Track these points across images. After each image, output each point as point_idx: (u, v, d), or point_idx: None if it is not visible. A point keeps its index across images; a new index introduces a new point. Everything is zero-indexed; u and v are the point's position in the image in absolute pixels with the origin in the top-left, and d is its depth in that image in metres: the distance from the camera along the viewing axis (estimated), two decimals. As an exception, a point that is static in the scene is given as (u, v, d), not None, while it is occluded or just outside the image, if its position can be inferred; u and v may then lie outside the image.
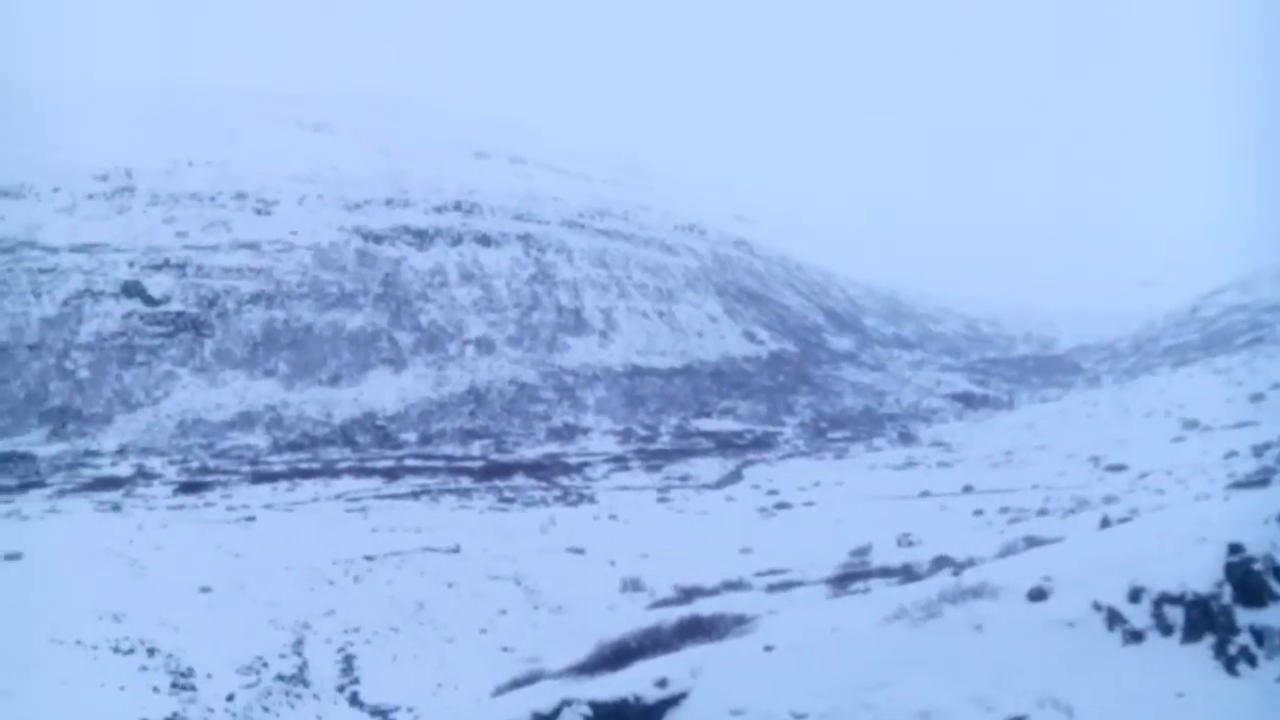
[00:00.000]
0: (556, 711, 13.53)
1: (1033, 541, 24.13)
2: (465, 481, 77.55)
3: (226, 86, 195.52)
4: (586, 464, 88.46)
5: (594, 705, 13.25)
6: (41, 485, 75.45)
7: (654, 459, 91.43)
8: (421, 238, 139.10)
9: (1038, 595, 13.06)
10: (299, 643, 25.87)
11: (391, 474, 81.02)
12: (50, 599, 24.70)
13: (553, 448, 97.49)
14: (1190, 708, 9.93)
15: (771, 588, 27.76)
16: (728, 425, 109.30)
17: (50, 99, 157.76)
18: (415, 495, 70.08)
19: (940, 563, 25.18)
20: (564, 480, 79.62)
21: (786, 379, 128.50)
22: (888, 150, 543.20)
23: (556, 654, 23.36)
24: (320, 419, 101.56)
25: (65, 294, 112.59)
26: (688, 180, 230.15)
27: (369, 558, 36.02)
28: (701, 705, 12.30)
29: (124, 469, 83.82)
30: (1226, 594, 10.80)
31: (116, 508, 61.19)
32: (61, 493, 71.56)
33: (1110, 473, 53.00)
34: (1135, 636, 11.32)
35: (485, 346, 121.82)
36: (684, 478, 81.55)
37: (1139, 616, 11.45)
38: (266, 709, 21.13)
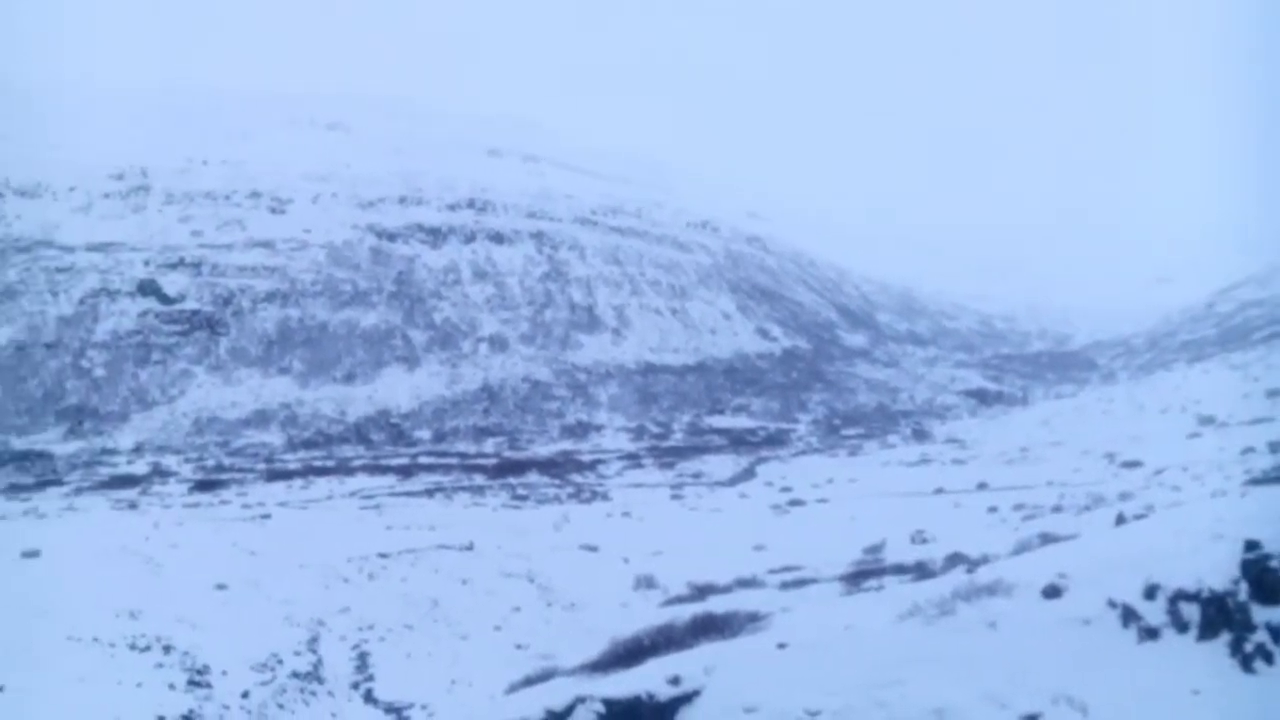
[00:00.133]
0: (570, 709, 13.57)
1: (1047, 538, 23.99)
2: (479, 479, 77.70)
3: (227, 86, 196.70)
4: (600, 461, 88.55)
5: (607, 702, 13.28)
6: (59, 483, 75.98)
7: (667, 456, 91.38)
8: (435, 236, 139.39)
9: (1052, 592, 13.03)
10: (314, 640, 25.92)
11: (405, 471, 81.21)
12: (67, 596, 24.82)
13: (566, 445, 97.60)
14: (1206, 705, 9.88)
15: (785, 585, 27.64)
16: (741, 422, 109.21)
17: (51, 99, 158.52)
18: (429, 493, 70.20)
19: (954, 560, 25.07)
20: (577, 477, 79.67)
21: (800, 376, 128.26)
22: (887, 150, 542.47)
23: (570, 651, 23.35)
24: (335, 417, 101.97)
25: (82, 293, 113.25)
26: (700, 177, 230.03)
27: (383, 555, 36.03)
28: (714, 703, 12.32)
29: (140, 467, 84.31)
30: (1243, 591, 10.72)
31: (133, 505, 61.44)
32: (78, 491, 72.01)
33: (1125, 469, 52.55)
34: (1150, 634, 11.27)
35: (499, 344, 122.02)
36: (697, 475, 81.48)
37: (1154, 614, 11.39)
38: (281, 706, 21.17)
